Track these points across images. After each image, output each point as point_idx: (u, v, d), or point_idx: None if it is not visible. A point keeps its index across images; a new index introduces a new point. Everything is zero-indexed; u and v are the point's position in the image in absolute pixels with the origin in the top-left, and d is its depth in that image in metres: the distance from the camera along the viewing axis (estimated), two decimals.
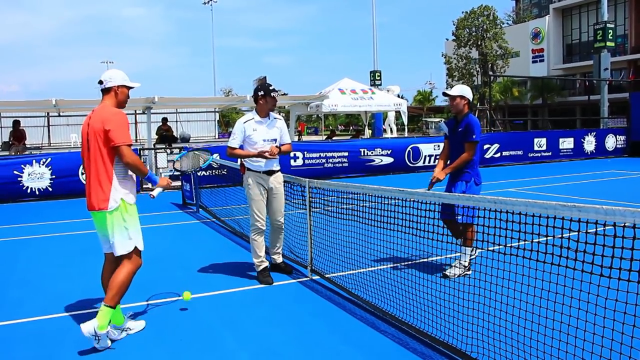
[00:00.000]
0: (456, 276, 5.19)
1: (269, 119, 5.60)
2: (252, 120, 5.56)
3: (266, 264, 5.65)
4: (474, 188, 5.56)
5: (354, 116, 54.34)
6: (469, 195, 3.97)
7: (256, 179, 5.56)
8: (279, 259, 5.93)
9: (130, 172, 4.20)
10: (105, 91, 4.21)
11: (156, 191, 4.38)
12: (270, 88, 5.57)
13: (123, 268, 4.13)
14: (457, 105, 5.67)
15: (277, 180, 5.67)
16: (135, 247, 4.18)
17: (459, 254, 5.47)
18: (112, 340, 4.11)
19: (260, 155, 5.42)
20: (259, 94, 5.55)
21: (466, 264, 5.38)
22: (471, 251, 5.43)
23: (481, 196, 3.44)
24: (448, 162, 5.78)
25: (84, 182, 4.64)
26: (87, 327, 3.90)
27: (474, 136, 5.50)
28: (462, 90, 5.68)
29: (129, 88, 4.30)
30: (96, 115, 4.10)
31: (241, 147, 5.56)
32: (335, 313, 4.65)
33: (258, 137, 5.48)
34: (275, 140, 5.57)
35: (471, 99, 5.75)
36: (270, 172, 5.60)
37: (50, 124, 31.18)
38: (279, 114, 5.67)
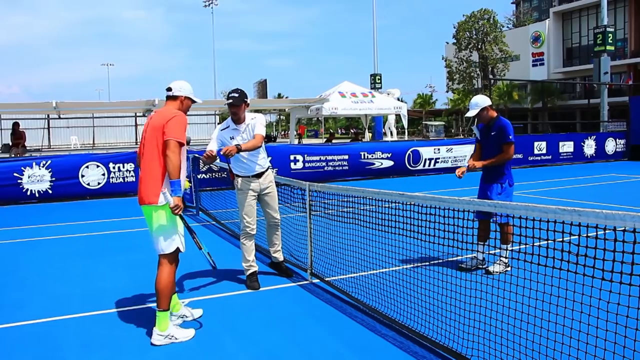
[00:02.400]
0: (498, 273, 5.29)
1: (244, 124, 5.40)
2: (228, 128, 5.45)
3: (255, 268, 5.57)
4: (508, 189, 5.80)
5: (354, 119, 54.37)
6: (468, 199, 3.97)
7: (246, 184, 5.50)
8: (280, 256, 5.90)
9: (183, 171, 4.21)
10: (172, 98, 4.39)
11: (169, 200, 4.06)
12: (228, 95, 5.38)
13: (163, 270, 4.19)
14: (484, 117, 5.86)
15: (267, 180, 5.60)
16: (178, 249, 4.25)
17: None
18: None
19: (209, 159, 5.18)
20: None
21: (506, 260, 5.54)
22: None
23: (481, 200, 3.44)
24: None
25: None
26: (154, 339, 4.10)
27: (510, 137, 5.71)
28: (478, 103, 5.83)
29: (192, 101, 4.49)
30: (159, 114, 4.28)
31: (219, 152, 5.35)
32: (336, 316, 4.65)
33: (235, 144, 5.24)
34: None
35: (490, 102, 5.89)
36: (259, 175, 5.53)
37: (50, 126, 31.20)
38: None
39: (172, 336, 4.13)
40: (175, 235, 4.21)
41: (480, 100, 5.85)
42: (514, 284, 3.63)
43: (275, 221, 5.75)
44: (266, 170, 5.61)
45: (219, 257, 6.80)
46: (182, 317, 4.54)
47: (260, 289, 5.44)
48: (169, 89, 4.40)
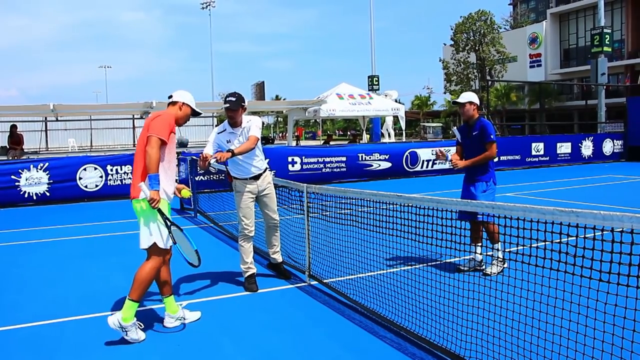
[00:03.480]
0: (495, 274, 5.27)
1: (241, 127, 5.40)
2: (225, 131, 5.46)
3: (253, 270, 5.57)
4: (492, 187, 5.88)
5: (352, 121, 54.42)
6: (466, 200, 3.97)
7: (244, 186, 5.51)
8: (279, 258, 5.89)
9: (168, 170, 4.39)
10: (171, 103, 4.57)
11: (142, 192, 4.17)
12: (225, 99, 5.35)
13: (146, 264, 4.28)
14: (467, 111, 5.94)
15: (265, 181, 5.61)
16: (155, 244, 4.27)
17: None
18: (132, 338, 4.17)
19: (203, 162, 5.17)
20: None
21: (501, 259, 5.57)
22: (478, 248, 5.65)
23: (479, 201, 3.44)
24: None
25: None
26: (112, 320, 4.09)
27: (492, 136, 5.80)
28: (470, 96, 5.98)
29: (192, 110, 4.62)
30: (152, 114, 4.48)
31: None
32: (334, 318, 4.64)
33: (231, 147, 5.29)
34: None
35: (479, 104, 6.03)
36: (257, 177, 5.54)
37: (47, 129, 31.15)
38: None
39: (125, 330, 4.11)
40: (153, 230, 4.26)
41: (471, 95, 6.01)
42: (512, 285, 3.63)
43: (274, 222, 5.74)
44: (264, 172, 5.61)
45: (217, 260, 6.81)
46: (180, 320, 4.54)
47: (259, 291, 5.43)
48: (170, 97, 4.59)
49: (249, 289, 5.45)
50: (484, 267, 5.64)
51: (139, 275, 4.20)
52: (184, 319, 4.57)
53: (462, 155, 6.08)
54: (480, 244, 5.67)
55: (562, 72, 53.70)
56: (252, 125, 5.39)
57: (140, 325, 4.29)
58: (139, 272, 4.22)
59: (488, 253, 5.67)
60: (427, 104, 68.46)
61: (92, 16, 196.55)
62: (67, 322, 4.71)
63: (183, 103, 4.57)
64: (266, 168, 5.68)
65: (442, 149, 6.11)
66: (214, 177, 13.52)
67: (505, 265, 5.45)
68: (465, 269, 5.62)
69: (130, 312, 4.11)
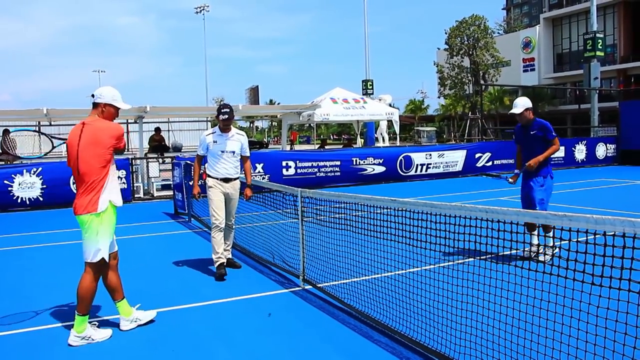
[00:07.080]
0: (550, 258, 5.47)
1: (231, 133, 6.33)
2: (213, 134, 6.37)
3: (223, 260, 6.26)
4: (549, 182, 6.56)
5: (346, 125, 54.48)
6: (461, 204, 3.98)
7: (216, 184, 6.29)
8: (228, 254, 6.61)
9: (115, 176, 4.62)
10: (94, 105, 4.52)
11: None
12: (222, 110, 6.25)
13: (85, 277, 4.39)
14: (526, 116, 6.54)
15: (233, 187, 6.38)
16: (102, 258, 4.40)
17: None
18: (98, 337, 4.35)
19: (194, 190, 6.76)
20: (216, 114, 6.38)
21: (551, 245, 5.86)
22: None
23: (473, 205, 3.45)
24: (523, 162, 6.67)
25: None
26: (71, 339, 4.24)
27: (553, 133, 6.45)
28: (526, 103, 6.52)
29: (117, 108, 4.59)
30: (91, 128, 4.42)
31: (205, 158, 6.48)
32: (328, 322, 4.64)
33: (217, 148, 6.28)
34: (234, 152, 6.33)
35: (531, 105, 6.55)
36: (227, 180, 6.30)
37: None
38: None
39: (89, 337, 4.25)
40: (105, 245, 4.40)
41: (525, 101, 6.51)
42: (505, 289, 3.64)
43: (230, 224, 6.51)
44: (235, 179, 6.39)
45: (210, 264, 6.79)
46: (135, 321, 4.62)
47: (253, 295, 5.44)
48: (93, 95, 4.52)
49: (219, 274, 6.09)
50: (541, 252, 5.78)
51: (80, 290, 4.32)
52: (139, 319, 4.63)
53: (523, 152, 6.68)
54: (535, 233, 5.94)
55: (555, 76, 53.98)
56: (246, 147, 6.47)
57: (95, 324, 4.47)
58: (79, 287, 4.34)
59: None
60: (421, 108, 68.64)
61: (87, 21, 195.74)
62: (61, 328, 4.69)
63: (105, 104, 4.49)
64: (237, 177, 6.42)
65: (514, 177, 6.85)
66: None
67: (557, 250, 5.62)
68: (525, 254, 5.72)
69: (82, 325, 4.27)
